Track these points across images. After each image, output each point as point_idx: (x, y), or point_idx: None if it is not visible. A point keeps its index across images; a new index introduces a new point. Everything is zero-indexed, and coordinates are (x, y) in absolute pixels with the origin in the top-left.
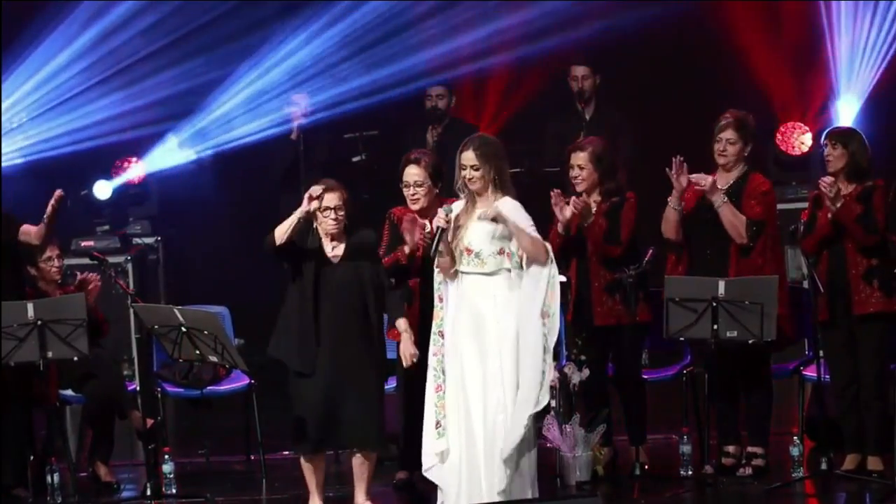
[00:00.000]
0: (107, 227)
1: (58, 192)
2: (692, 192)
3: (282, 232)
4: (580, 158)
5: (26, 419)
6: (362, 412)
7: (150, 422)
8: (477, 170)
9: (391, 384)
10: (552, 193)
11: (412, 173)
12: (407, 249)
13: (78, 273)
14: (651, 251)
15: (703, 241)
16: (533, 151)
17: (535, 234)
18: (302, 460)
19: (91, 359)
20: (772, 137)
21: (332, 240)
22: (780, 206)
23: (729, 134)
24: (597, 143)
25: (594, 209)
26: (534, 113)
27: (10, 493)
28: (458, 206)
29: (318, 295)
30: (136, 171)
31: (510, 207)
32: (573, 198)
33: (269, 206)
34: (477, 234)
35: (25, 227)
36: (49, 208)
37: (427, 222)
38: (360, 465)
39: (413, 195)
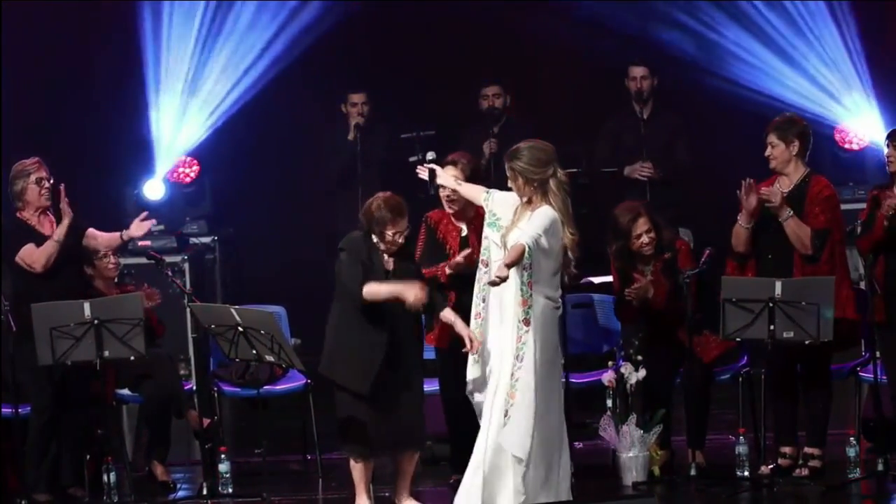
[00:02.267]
0: (162, 227)
1: (149, 218)
2: (757, 199)
3: (371, 297)
4: (644, 224)
5: (83, 418)
6: (413, 414)
7: (206, 421)
8: (512, 180)
9: (432, 385)
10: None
11: (449, 175)
12: (448, 270)
13: (133, 285)
14: (708, 251)
15: (767, 248)
16: (590, 152)
17: (506, 260)
18: (352, 461)
19: (148, 358)
20: (829, 137)
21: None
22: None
23: (770, 138)
24: (647, 205)
25: (651, 273)
26: (589, 112)
27: (66, 492)
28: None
29: (381, 309)
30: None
31: (534, 216)
32: (632, 289)
33: (327, 206)
34: (517, 238)
35: (91, 232)
36: (137, 231)
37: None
38: (407, 465)
39: (449, 196)
